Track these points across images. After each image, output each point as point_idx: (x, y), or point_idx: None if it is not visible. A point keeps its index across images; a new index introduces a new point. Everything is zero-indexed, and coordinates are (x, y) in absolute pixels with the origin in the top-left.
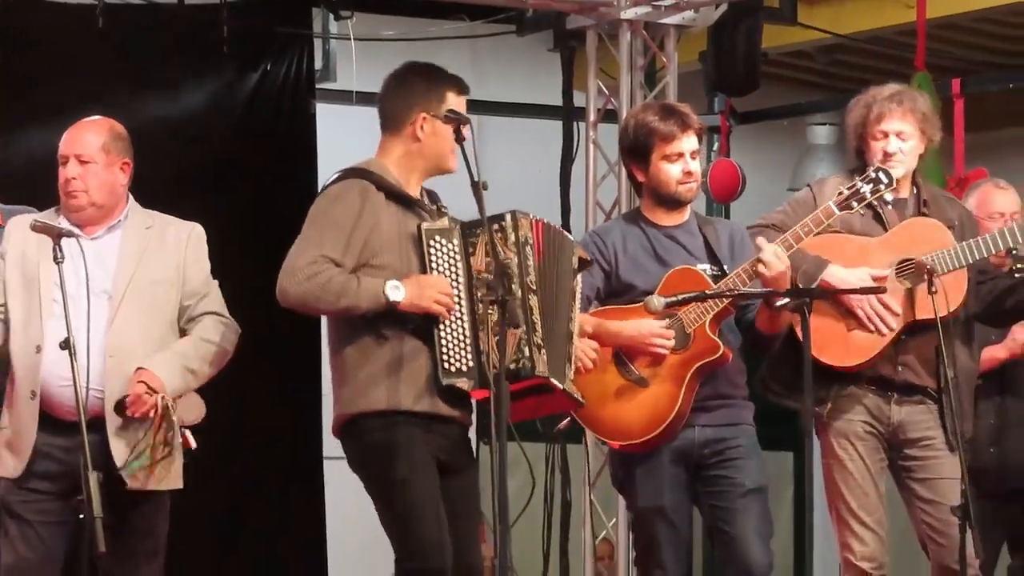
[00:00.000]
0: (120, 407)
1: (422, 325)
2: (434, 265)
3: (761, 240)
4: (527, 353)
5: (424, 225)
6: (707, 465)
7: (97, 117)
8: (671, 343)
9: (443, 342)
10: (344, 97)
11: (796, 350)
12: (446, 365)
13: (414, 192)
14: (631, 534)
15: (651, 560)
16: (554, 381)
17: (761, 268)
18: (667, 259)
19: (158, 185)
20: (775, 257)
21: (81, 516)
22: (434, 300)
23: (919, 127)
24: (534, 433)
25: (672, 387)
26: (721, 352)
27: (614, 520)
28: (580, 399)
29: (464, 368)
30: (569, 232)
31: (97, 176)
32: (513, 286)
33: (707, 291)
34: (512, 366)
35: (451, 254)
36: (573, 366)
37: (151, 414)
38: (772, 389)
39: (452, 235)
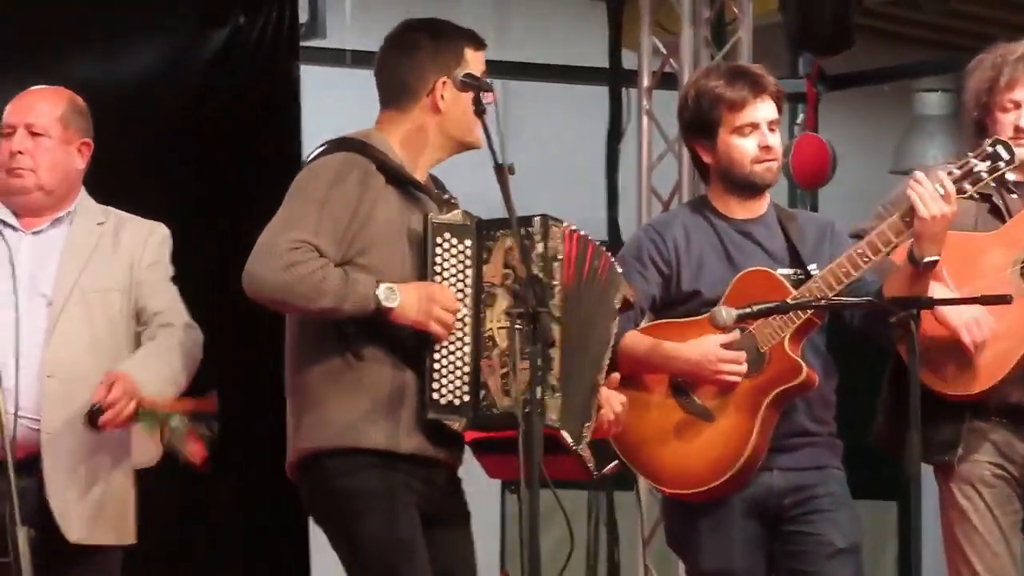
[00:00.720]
0: (94, 416)
1: (411, 344)
2: (439, 268)
3: (917, 173)
4: (538, 395)
5: (434, 217)
6: (788, 519)
7: (53, 86)
8: (744, 368)
9: (436, 367)
10: (336, 58)
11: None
12: (435, 396)
13: (421, 177)
14: None
15: None
16: (565, 436)
17: (917, 202)
18: (740, 260)
19: (100, 166)
20: (937, 192)
21: None
22: (435, 318)
23: None
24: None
25: (744, 421)
26: (804, 375)
27: None
28: (592, 469)
29: (458, 402)
30: (617, 231)
31: (50, 154)
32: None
33: (789, 300)
34: (511, 406)
35: (462, 257)
36: (593, 425)
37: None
38: (879, 435)
39: (466, 234)
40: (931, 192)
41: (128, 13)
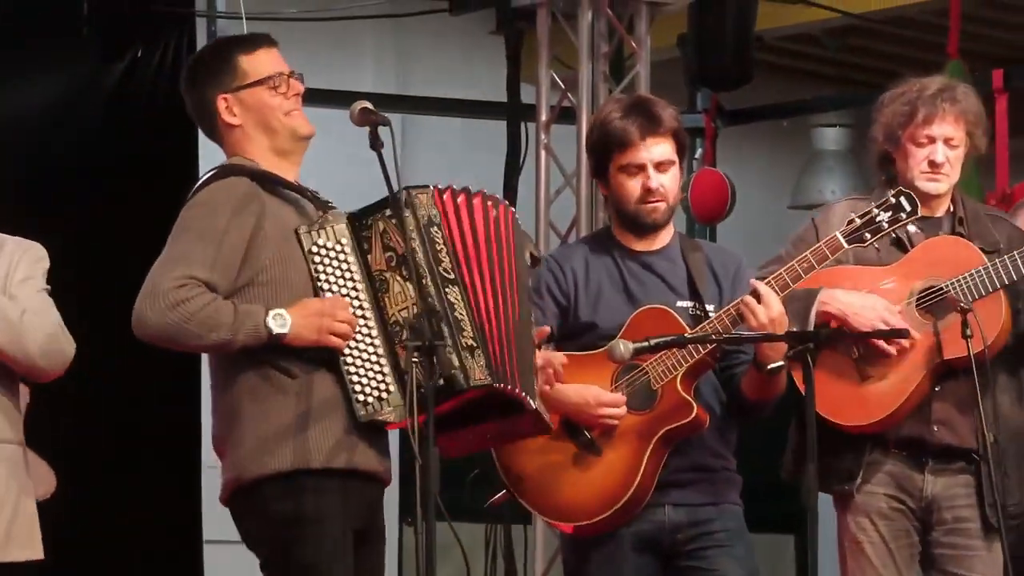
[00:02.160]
0: None
1: (325, 355)
2: (322, 275)
3: (752, 280)
4: (456, 362)
5: (301, 228)
6: (682, 553)
7: None
8: (622, 411)
9: (352, 370)
10: None
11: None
12: (361, 398)
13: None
14: None
15: None
16: (501, 386)
17: (747, 311)
18: (639, 292)
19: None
20: (767, 298)
21: None
22: (329, 331)
23: (967, 131)
24: (470, 511)
25: (632, 456)
26: (694, 415)
27: None
28: (549, 422)
29: (384, 395)
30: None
31: None
32: (425, 282)
33: (686, 335)
34: (440, 381)
35: (341, 256)
36: (537, 376)
37: None
38: (788, 469)
39: (339, 232)
40: (765, 300)
41: (29, 47)
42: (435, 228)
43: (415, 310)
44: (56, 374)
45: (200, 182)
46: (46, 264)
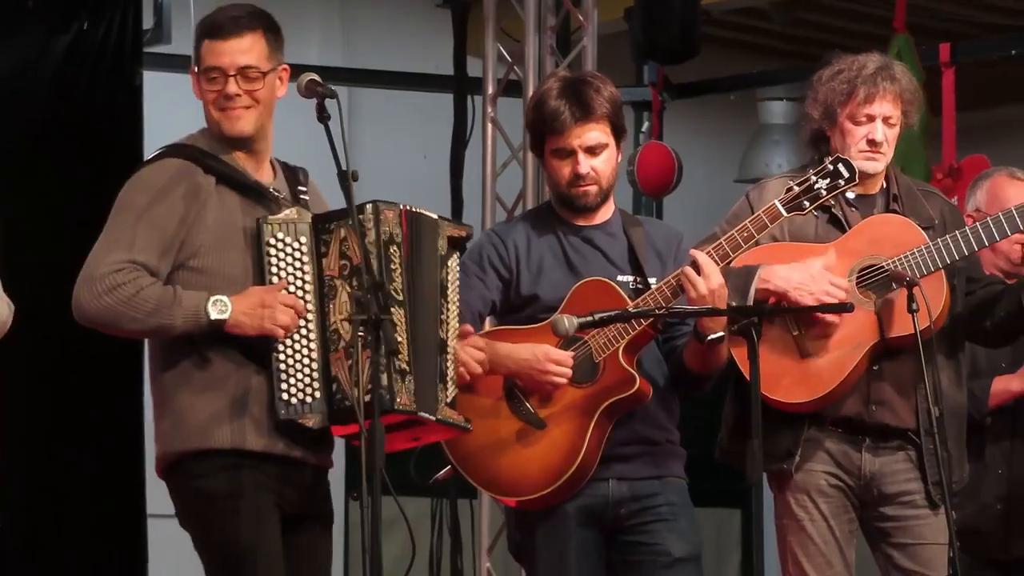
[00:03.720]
0: None
1: (259, 345)
2: (274, 269)
3: (691, 251)
4: (385, 383)
5: (263, 218)
6: (625, 528)
7: None
8: (568, 372)
9: (282, 367)
10: (179, 63)
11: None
12: (285, 396)
13: (263, 175)
14: None
15: None
16: (423, 415)
17: (687, 282)
18: (581, 266)
19: None
20: (706, 268)
21: None
22: (272, 321)
23: (903, 110)
24: (416, 486)
25: (576, 430)
26: (636, 387)
27: None
28: (463, 424)
29: (309, 399)
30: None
31: None
32: (368, 299)
33: (629, 309)
34: (367, 398)
35: (298, 254)
36: (450, 384)
37: None
38: (723, 448)
39: (301, 231)
40: (704, 271)
41: None
42: (393, 248)
43: (353, 299)
44: None
45: (143, 162)
46: None
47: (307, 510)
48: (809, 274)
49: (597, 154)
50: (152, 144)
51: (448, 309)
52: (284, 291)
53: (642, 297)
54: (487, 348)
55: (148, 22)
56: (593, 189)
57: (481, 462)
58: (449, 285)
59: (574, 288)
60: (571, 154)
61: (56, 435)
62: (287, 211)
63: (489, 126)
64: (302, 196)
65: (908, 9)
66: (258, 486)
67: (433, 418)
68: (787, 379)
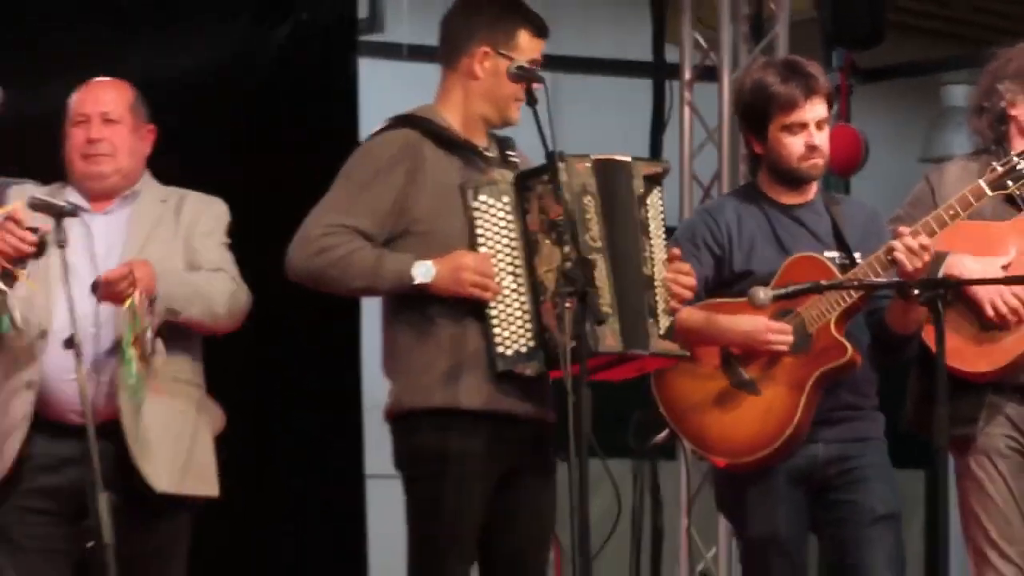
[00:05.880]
0: (95, 287)
1: (474, 306)
2: (480, 230)
3: (900, 228)
4: (588, 328)
5: (467, 183)
6: (831, 487)
7: (114, 78)
8: (790, 339)
9: (495, 321)
10: (392, 51)
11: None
12: (501, 349)
13: (479, 140)
14: (741, 565)
15: None
16: (634, 351)
17: (900, 257)
18: (789, 243)
19: (167, 156)
20: (916, 245)
21: (89, 544)
22: (470, 284)
23: None
24: (622, 448)
25: (790, 396)
26: (849, 355)
27: (713, 550)
28: (679, 352)
29: (524, 349)
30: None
31: (126, 139)
32: (566, 249)
33: (822, 282)
34: (571, 344)
35: (501, 214)
36: (661, 317)
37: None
38: (910, 417)
39: (504, 191)
40: (915, 247)
41: (198, 8)
42: (588, 198)
43: (560, 272)
44: (236, 328)
45: (373, 131)
46: (227, 219)
47: (526, 464)
48: (989, 266)
49: (822, 128)
50: (367, 129)
51: (652, 245)
52: (484, 255)
53: (852, 271)
54: (707, 320)
55: (363, 12)
56: (820, 162)
57: (696, 424)
58: (651, 222)
59: (786, 263)
60: (803, 128)
61: (278, 401)
62: (490, 174)
63: (686, 110)
64: (511, 159)
65: None
66: (468, 448)
67: (645, 352)
68: (970, 349)
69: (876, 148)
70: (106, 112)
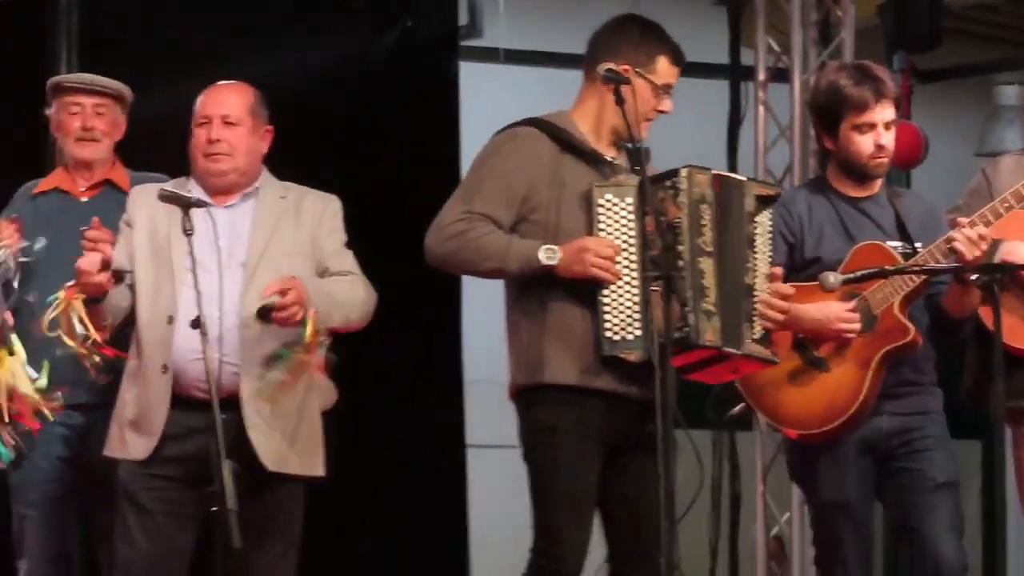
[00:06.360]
0: (265, 312)
1: (589, 290)
2: (602, 225)
3: (960, 218)
4: (692, 322)
5: (597, 183)
6: (895, 456)
7: (235, 81)
8: (858, 326)
9: (606, 308)
10: (490, 55)
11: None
12: (608, 334)
13: (607, 150)
14: (812, 529)
15: (833, 559)
16: (728, 349)
17: (959, 247)
18: (856, 233)
19: (282, 154)
20: (974, 235)
21: (213, 509)
22: (592, 264)
23: None
24: (703, 420)
25: (857, 373)
26: (911, 336)
27: (787, 515)
28: (770, 357)
29: (630, 337)
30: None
31: (244, 140)
32: (681, 248)
33: (887, 267)
34: (676, 335)
35: (623, 212)
36: (756, 323)
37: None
38: (968, 390)
39: (627, 192)
40: (974, 237)
41: (310, 16)
42: (704, 206)
43: (648, 259)
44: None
45: (500, 129)
46: (342, 214)
47: (631, 440)
48: None
49: (889, 129)
50: (467, 128)
51: (755, 259)
52: (606, 240)
53: (915, 258)
54: None
55: (463, 18)
56: (887, 160)
57: (771, 399)
58: (757, 238)
59: (853, 250)
60: (872, 128)
61: (384, 376)
62: (620, 176)
63: (761, 108)
64: (637, 169)
65: None
66: (580, 423)
67: (739, 352)
68: (1022, 329)
69: (935, 144)
70: (226, 115)
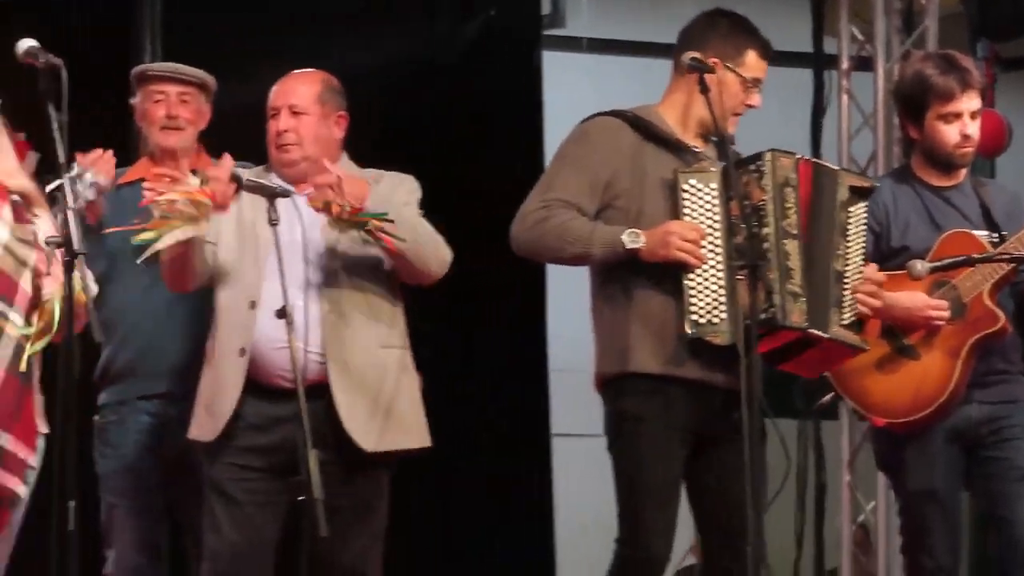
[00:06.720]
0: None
1: (673, 275)
2: (687, 211)
3: None
4: (778, 303)
5: (680, 169)
6: (983, 445)
7: (310, 69)
8: (947, 314)
9: (692, 292)
10: (573, 44)
11: None
12: (694, 317)
13: (693, 142)
14: (900, 518)
15: (920, 547)
16: (814, 332)
17: None
18: (941, 223)
19: (364, 142)
20: None
21: (300, 498)
22: (677, 247)
23: None
24: (788, 408)
25: (947, 361)
26: (1001, 323)
27: (873, 503)
28: (859, 343)
29: (716, 320)
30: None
31: (311, 128)
32: (766, 231)
33: (974, 255)
34: (762, 316)
35: (708, 198)
36: (846, 309)
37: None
38: None
39: (711, 178)
40: None
41: (395, 6)
42: (789, 189)
43: (734, 247)
44: (438, 278)
45: (583, 119)
46: (419, 194)
47: (717, 429)
48: None
49: (975, 119)
50: (549, 118)
51: (848, 247)
52: (691, 223)
53: (1002, 247)
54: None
55: (546, 8)
56: (972, 150)
57: (859, 386)
58: (850, 227)
59: (941, 239)
60: (957, 118)
61: (470, 366)
62: (700, 163)
63: (844, 97)
64: (701, 155)
65: None
66: (665, 412)
67: (825, 335)
68: None
69: (1019, 131)
70: (294, 105)
